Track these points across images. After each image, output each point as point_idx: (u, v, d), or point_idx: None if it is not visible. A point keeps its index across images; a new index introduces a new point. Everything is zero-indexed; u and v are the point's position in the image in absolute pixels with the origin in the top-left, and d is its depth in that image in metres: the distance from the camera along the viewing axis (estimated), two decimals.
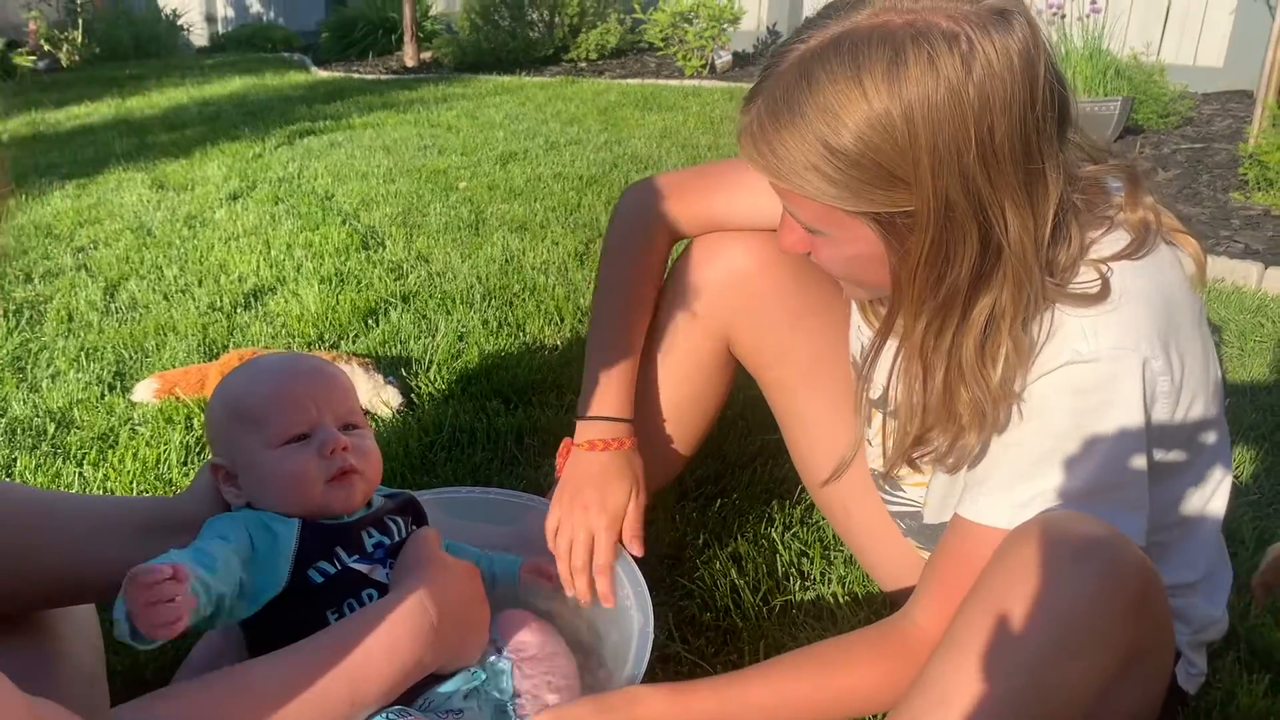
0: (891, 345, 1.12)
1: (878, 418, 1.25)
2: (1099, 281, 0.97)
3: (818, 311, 1.37)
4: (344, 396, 1.21)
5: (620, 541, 1.31)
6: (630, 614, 1.24)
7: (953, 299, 0.97)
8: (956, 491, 1.09)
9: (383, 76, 8.09)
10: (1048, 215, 0.94)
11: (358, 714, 1.01)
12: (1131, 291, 0.97)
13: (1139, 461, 0.97)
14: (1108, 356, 0.96)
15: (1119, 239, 0.99)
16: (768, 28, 8.29)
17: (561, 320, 2.55)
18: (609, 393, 1.34)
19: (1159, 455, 1.01)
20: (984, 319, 0.98)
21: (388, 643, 1.04)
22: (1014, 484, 1.00)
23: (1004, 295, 0.96)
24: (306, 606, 1.07)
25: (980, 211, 0.92)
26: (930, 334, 1.00)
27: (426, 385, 2.19)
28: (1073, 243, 0.98)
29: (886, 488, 1.29)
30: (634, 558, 1.30)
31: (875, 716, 1.13)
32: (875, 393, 1.23)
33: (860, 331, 1.27)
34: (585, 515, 1.28)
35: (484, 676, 1.16)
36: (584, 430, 1.34)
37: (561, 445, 1.38)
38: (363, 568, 1.12)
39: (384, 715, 1.02)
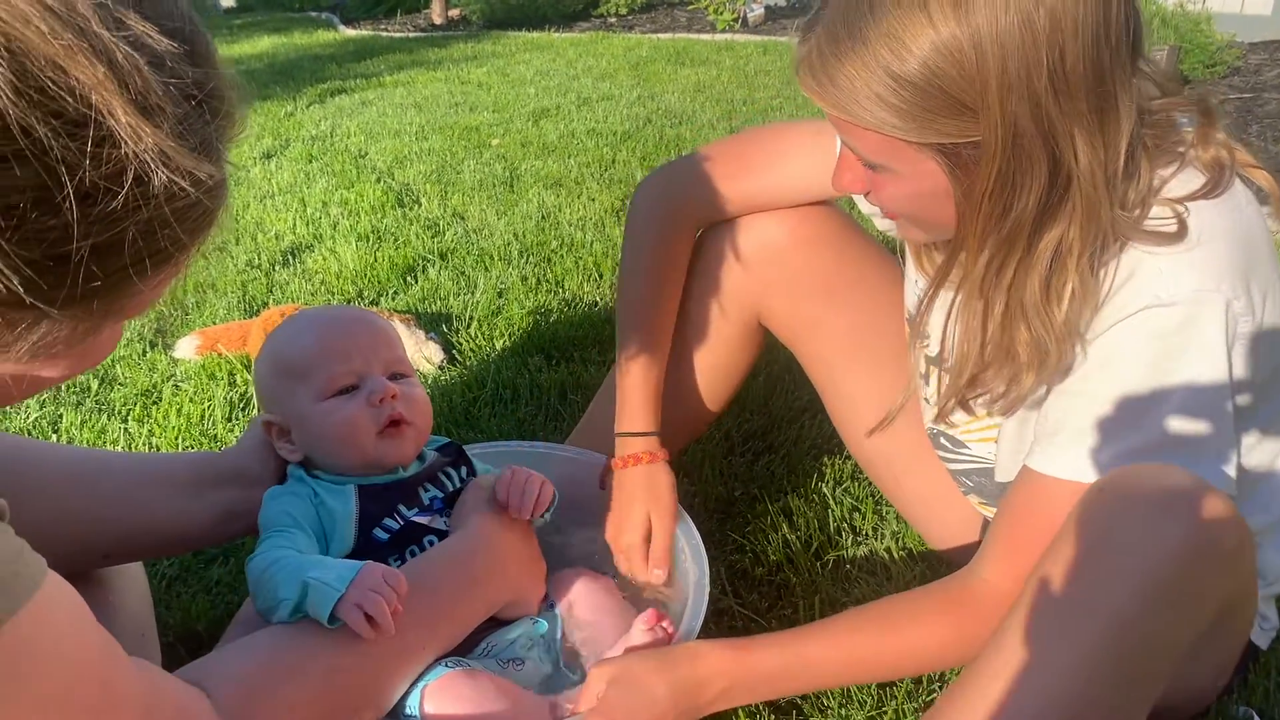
0: (945, 297, 1.09)
1: (934, 375, 1.21)
2: (1174, 220, 0.93)
3: (853, 284, 1.34)
4: (390, 346, 1.20)
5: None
6: (686, 567, 1.22)
7: (1018, 232, 0.93)
8: (1027, 446, 1.06)
9: (411, 34, 8.03)
10: (1120, 146, 0.90)
11: (428, 655, 1.01)
12: (1210, 230, 0.93)
13: (1224, 407, 0.93)
14: (1189, 299, 0.91)
15: (1192, 177, 0.95)
16: None
17: (600, 276, 2.52)
18: (637, 407, 1.32)
19: (1236, 398, 0.97)
20: (1050, 253, 0.94)
21: (454, 581, 1.04)
22: (1088, 435, 0.97)
23: (1072, 229, 0.92)
24: (371, 558, 1.06)
25: (1050, 140, 0.88)
26: (993, 269, 0.96)
27: (467, 341, 2.17)
28: (1142, 179, 0.94)
29: (948, 445, 1.26)
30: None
31: (944, 673, 1.11)
32: (932, 349, 1.19)
33: (916, 285, 1.23)
34: (639, 519, 1.27)
35: (545, 626, 1.15)
36: (620, 447, 1.32)
37: (604, 470, 1.34)
38: (423, 520, 1.13)
39: (444, 664, 1.02)
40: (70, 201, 0.52)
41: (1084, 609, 0.85)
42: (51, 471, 1.12)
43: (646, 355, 1.32)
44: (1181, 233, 0.92)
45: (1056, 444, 0.99)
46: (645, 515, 1.26)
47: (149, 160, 0.55)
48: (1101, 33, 0.86)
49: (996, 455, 1.18)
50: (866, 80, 0.89)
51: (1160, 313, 0.92)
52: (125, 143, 0.53)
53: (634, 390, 1.31)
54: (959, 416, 1.17)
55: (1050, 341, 0.97)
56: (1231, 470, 0.94)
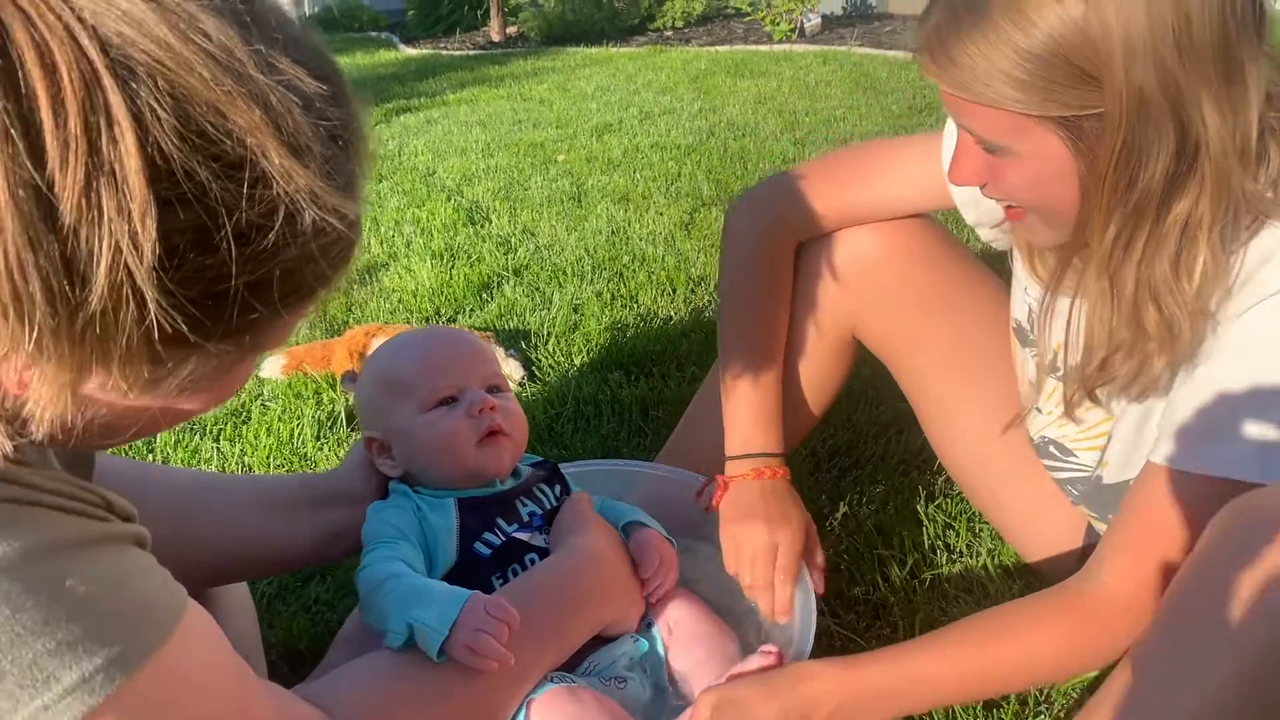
0: (1064, 301, 1.07)
1: (1049, 383, 1.19)
2: None
3: (951, 299, 1.32)
4: (487, 362, 1.23)
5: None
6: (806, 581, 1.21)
7: (1145, 205, 0.90)
8: (1144, 445, 1.03)
9: (470, 52, 8.13)
10: (1250, 117, 0.87)
11: (539, 674, 1.01)
12: None
13: None
14: None
15: None
16: None
17: (674, 291, 2.52)
18: (756, 429, 1.29)
19: None
20: (1179, 227, 0.90)
21: (561, 599, 1.04)
22: (1219, 427, 0.92)
23: (1202, 201, 0.89)
24: (473, 577, 1.07)
25: (1176, 106, 0.85)
26: (1120, 244, 0.93)
27: (546, 358, 2.19)
28: (1272, 163, 0.90)
29: (1056, 454, 1.23)
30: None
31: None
32: (1045, 356, 1.17)
33: (1026, 294, 1.21)
34: (768, 530, 1.22)
35: (646, 646, 1.15)
36: (735, 467, 1.29)
37: (712, 483, 1.31)
38: (523, 536, 1.13)
39: (549, 680, 1.02)
40: (228, 241, 0.54)
41: (1231, 631, 0.81)
42: (165, 494, 1.15)
43: (757, 374, 1.30)
44: None
45: (1184, 437, 0.95)
46: (801, 510, 1.25)
47: (300, 200, 0.56)
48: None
49: (1105, 458, 1.15)
50: (989, 55, 0.88)
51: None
52: (278, 183, 0.55)
53: (747, 411, 1.29)
54: (1084, 411, 1.13)
55: (1182, 319, 0.93)
56: None
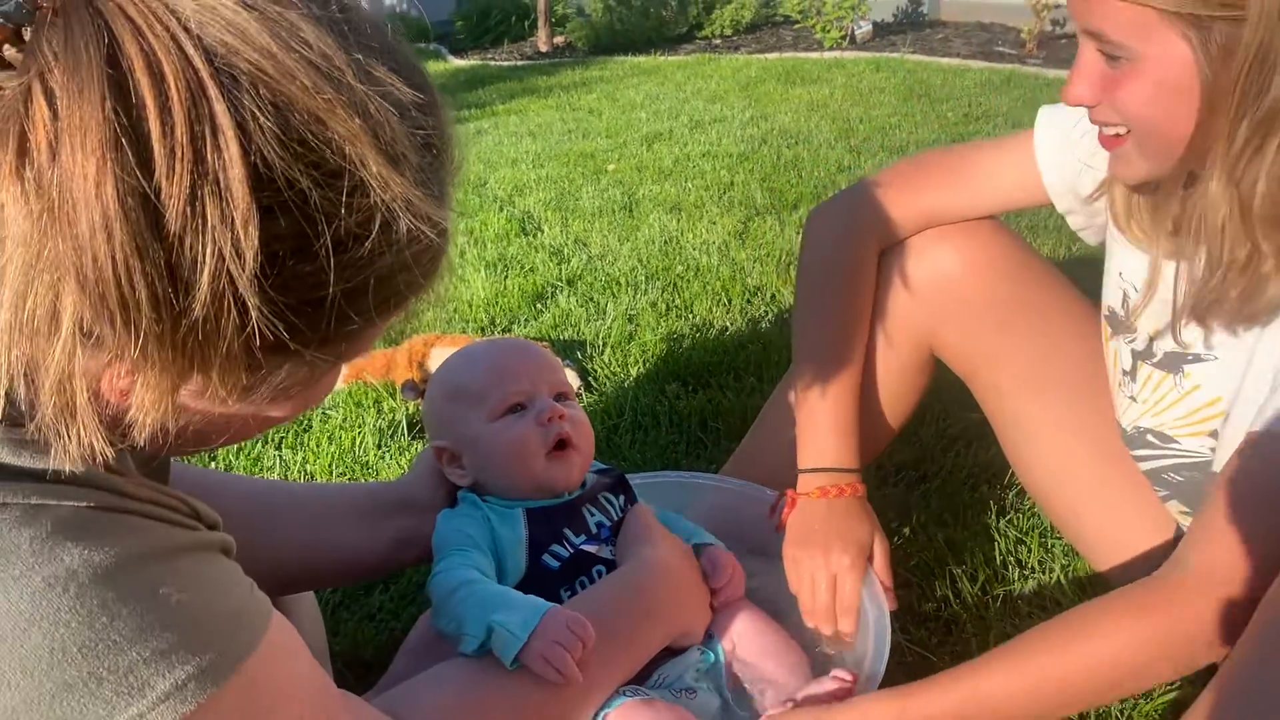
0: (1165, 281, 1.04)
1: (1143, 370, 1.16)
2: None
3: (1031, 312, 1.30)
4: (554, 370, 1.23)
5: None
6: (864, 608, 1.19)
7: (1276, 114, 0.86)
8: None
9: (518, 62, 8.18)
10: None
11: (607, 687, 1.01)
12: None
13: None
14: None
15: None
16: None
17: (730, 301, 2.51)
18: (830, 442, 1.27)
19: None
20: None
21: (633, 612, 1.03)
22: None
23: None
24: (541, 589, 1.06)
25: None
26: (1248, 152, 0.89)
27: (602, 368, 2.18)
28: None
29: (1156, 442, 1.19)
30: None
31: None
32: (1140, 343, 1.14)
33: (1121, 278, 1.18)
34: (825, 556, 1.21)
35: (712, 658, 1.14)
36: (805, 483, 1.28)
37: (779, 501, 1.30)
38: (591, 548, 1.13)
39: (622, 693, 1.01)
40: (326, 249, 0.54)
41: None
42: (235, 502, 1.15)
43: (834, 385, 1.28)
44: None
45: None
46: (870, 528, 1.22)
47: (396, 208, 0.56)
48: None
49: (1220, 440, 1.08)
50: None
51: None
52: (375, 191, 0.55)
53: (822, 423, 1.28)
54: (1193, 337, 1.08)
55: None
56: None
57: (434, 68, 8.15)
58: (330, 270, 0.55)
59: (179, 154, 0.49)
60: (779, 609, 1.26)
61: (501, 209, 3.53)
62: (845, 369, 1.29)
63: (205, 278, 0.51)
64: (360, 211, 0.55)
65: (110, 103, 0.48)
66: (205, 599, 0.64)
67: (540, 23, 8.63)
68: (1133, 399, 1.20)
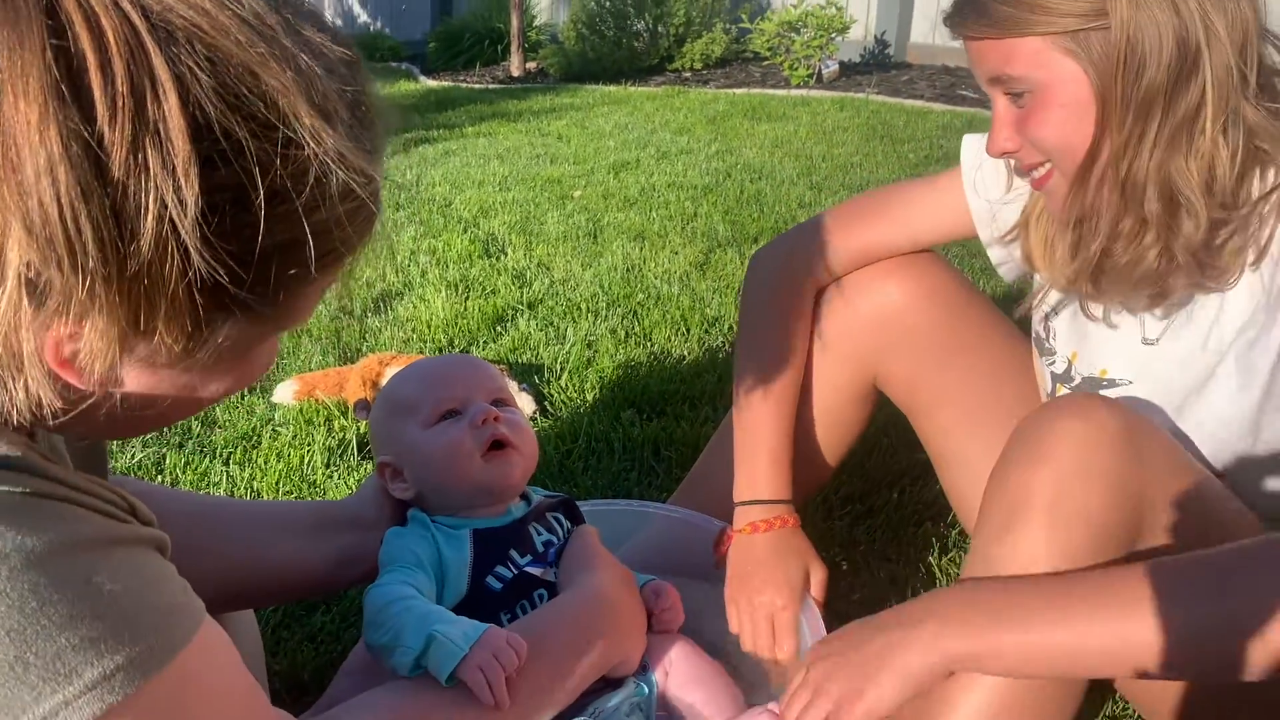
0: (1068, 311, 1.13)
1: (1062, 392, 1.21)
2: None
3: (976, 348, 1.33)
4: (492, 378, 1.23)
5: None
6: (804, 639, 1.20)
7: (1153, 98, 0.97)
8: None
9: (490, 86, 8.20)
10: (1247, 30, 0.95)
11: (543, 717, 0.99)
12: None
13: None
14: None
15: None
16: (876, 37, 8.16)
17: (688, 330, 2.52)
18: (762, 474, 1.31)
19: None
20: (1188, 122, 0.97)
21: (571, 641, 1.03)
22: None
23: (1207, 96, 0.96)
24: (482, 612, 1.06)
25: (1173, 8, 0.94)
26: (1133, 138, 0.99)
27: (559, 393, 2.18)
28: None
29: None
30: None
31: None
32: (1059, 365, 1.19)
33: (1045, 302, 1.24)
34: (760, 596, 1.24)
35: (646, 690, 1.14)
36: (741, 516, 1.30)
37: (721, 536, 1.33)
38: (535, 570, 1.12)
39: None
40: (262, 200, 0.57)
41: None
42: (176, 516, 1.13)
43: (769, 419, 1.31)
44: None
45: None
46: (803, 567, 1.24)
47: (329, 161, 0.59)
48: None
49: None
50: None
51: None
52: (309, 144, 0.58)
53: (760, 457, 1.30)
54: (1095, 309, 1.16)
55: (1188, 209, 0.99)
56: None
57: (406, 88, 8.16)
58: (268, 221, 0.57)
59: (120, 104, 0.52)
60: (720, 639, 1.27)
61: (466, 230, 3.53)
62: (780, 405, 1.32)
63: (149, 222, 0.53)
64: (295, 163, 0.58)
65: (50, 54, 0.51)
66: (138, 591, 0.64)
67: (513, 48, 8.67)
68: None
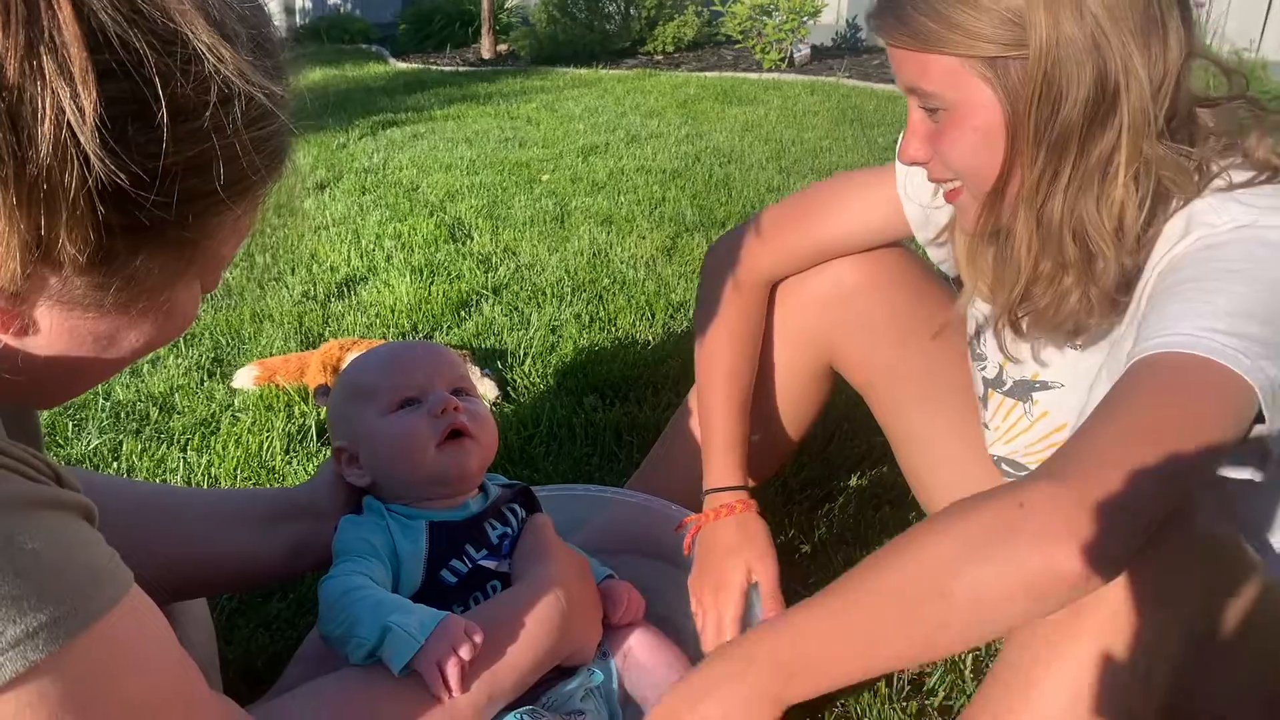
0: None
1: (994, 397, 1.21)
2: (1228, 184, 0.94)
3: (930, 328, 1.33)
4: (453, 366, 1.21)
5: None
6: (755, 615, 1.21)
7: (1068, 139, 0.94)
8: None
9: (460, 69, 8.14)
10: (1166, 76, 0.92)
11: (494, 708, 0.99)
12: (1266, 200, 0.93)
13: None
14: (1244, 223, 0.91)
15: (1247, 171, 0.95)
16: (847, 21, 8.17)
17: (653, 316, 2.52)
18: (718, 464, 1.33)
19: None
20: (1101, 165, 0.95)
21: (523, 632, 1.03)
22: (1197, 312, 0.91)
23: (1121, 140, 0.93)
24: (436, 604, 1.05)
25: (1094, 47, 0.90)
26: (1045, 178, 0.97)
27: (522, 378, 2.18)
28: (1196, 149, 0.95)
29: (1010, 471, 1.25)
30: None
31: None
32: (990, 371, 1.19)
33: (976, 309, 1.23)
34: (709, 595, 1.27)
35: (602, 677, 1.14)
36: (706, 504, 1.33)
37: (690, 524, 1.34)
38: (490, 564, 1.12)
39: (516, 714, 1.00)
40: (164, 116, 0.57)
41: None
42: (125, 505, 1.12)
43: (730, 415, 1.33)
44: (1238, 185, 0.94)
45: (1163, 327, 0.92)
46: (745, 565, 1.25)
47: (230, 78, 0.60)
48: None
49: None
50: (930, 1, 0.95)
51: (1210, 236, 0.92)
52: (209, 60, 0.59)
53: (716, 449, 1.32)
54: (1017, 349, 1.15)
55: (1100, 254, 0.97)
56: None
57: (374, 70, 8.08)
58: (174, 138, 0.58)
59: (13, 11, 0.53)
60: (677, 620, 1.27)
61: (432, 214, 3.50)
62: (730, 396, 1.34)
63: (47, 127, 0.54)
64: (197, 80, 0.58)
65: None
66: (62, 553, 0.63)
67: (484, 30, 8.61)
68: (986, 426, 1.25)
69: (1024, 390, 1.19)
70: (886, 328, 1.32)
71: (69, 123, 0.54)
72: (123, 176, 0.56)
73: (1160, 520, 0.82)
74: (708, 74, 7.03)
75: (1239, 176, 0.95)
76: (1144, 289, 0.98)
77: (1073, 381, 1.14)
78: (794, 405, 1.42)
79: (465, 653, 0.93)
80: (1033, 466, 1.21)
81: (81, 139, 0.55)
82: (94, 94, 0.54)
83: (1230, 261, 0.90)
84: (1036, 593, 0.81)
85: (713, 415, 1.33)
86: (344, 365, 2.05)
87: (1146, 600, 0.84)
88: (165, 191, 0.59)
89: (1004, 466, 1.25)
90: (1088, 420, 0.87)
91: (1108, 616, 0.85)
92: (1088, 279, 1.00)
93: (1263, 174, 0.94)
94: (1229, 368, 0.83)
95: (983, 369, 1.23)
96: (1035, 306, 1.06)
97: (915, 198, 1.24)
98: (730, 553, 1.26)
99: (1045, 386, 1.16)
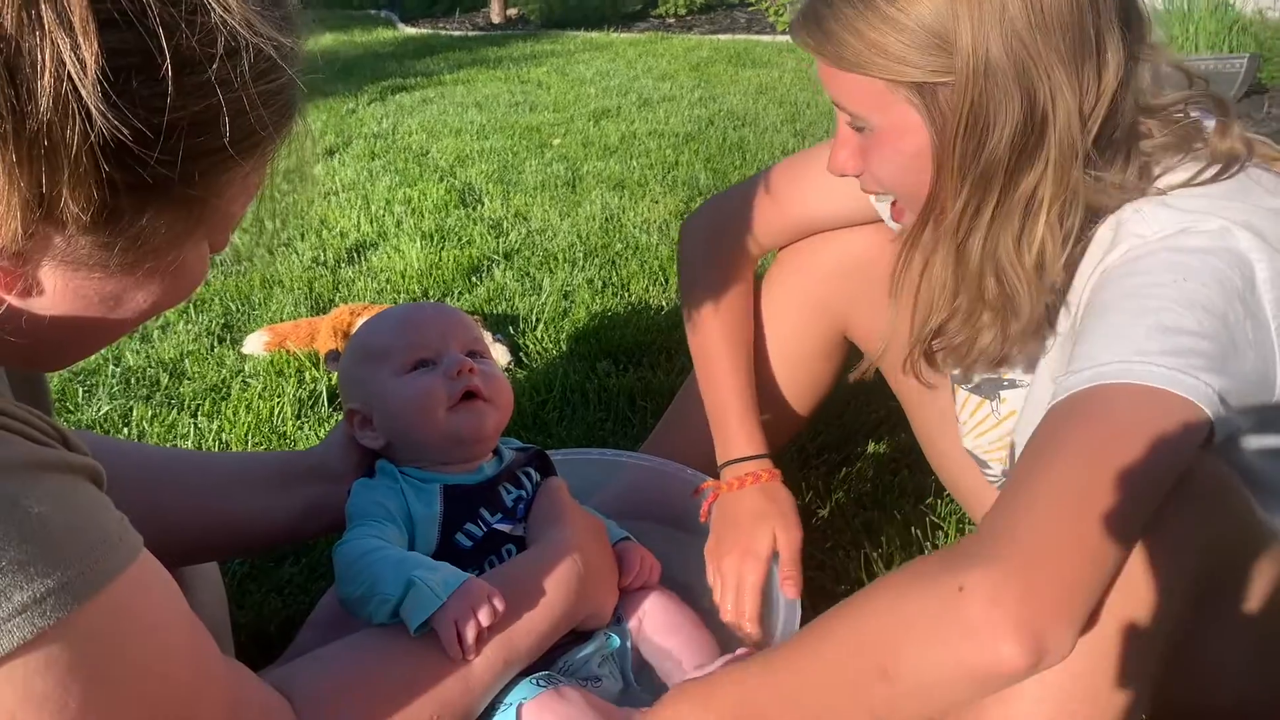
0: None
1: (960, 393, 1.20)
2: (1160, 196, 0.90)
3: None
4: (468, 328, 1.20)
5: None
6: (774, 584, 1.19)
7: (992, 175, 0.90)
8: None
9: (470, 33, 8.07)
10: (1100, 100, 0.88)
11: (510, 672, 0.98)
12: (1204, 198, 0.89)
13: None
14: (1172, 230, 0.87)
15: (1194, 168, 0.91)
16: None
17: (666, 281, 2.49)
18: (734, 434, 1.30)
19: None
20: (1024, 203, 0.91)
21: (539, 596, 1.01)
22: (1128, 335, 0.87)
23: (1046, 177, 0.89)
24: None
25: (1024, 76, 0.86)
26: (968, 214, 0.93)
27: (534, 344, 2.15)
28: (1130, 166, 0.91)
29: (979, 465, 1.24)
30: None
31: None
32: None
33: None
34: (732, 562, 1.23)
35: (618, 642, 1.13)
36: (726, 474, 1.30)
37: (699, 490, 1.32)
38: (505, 527, 1.11)
39: (533, 680, 0.99)
40: (168, 68, 0.55)
41: None
42: (137, 469, 1.11)
43: (736, 384, 1.30)
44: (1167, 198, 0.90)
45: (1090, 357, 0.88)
46: (771, 532, 1.22)
47: (238, 29, 0.57)
48: None
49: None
50: (850, 19, 0.90)
51: (1136, 249, 0.89)
52: (214, 10, 0.57)
53: (732, 419, 1.29)
54: (929, 374, 1.12)
55: (1022, 293, 0.94)
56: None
57: (383, 35, 8.02)
58: (178, 91, 0.56)
59: None
60: (691, 585, 1.26)
61: (442, 180, 3.47)
62: (735, 366, 1.32)
63: (47, 80, 0.52)
64: (203, 30, 0.56)
65: None
66: (69, 517, 0.62)
67: None
68: (958, 418, 1.22)
69: (991, 388, 1.16)
70: (905, 296, 1.29)
71: (70, 75, 0.52)
72: (125, 131, 0.54)
73: (1113, 576, 0.79)
74: (720, 37, 6.95)
75: (1182, 175, 0.90)
76: (1079, 298, 0.94)
77: (1039, 380, 1.09)
78: (806, 376, 1.40)
79: (485, 617, 0.92)
80: (993, 464, 1.20)
81: (83, 92, 0.52)
82: (95, 45, 0.52)
83: (1157, 274, 0.86)
84: (980, 682, 0.78)
85: (720, 385, 1.31)
86: (354, 330, 2.04)
87: (1150, 558, 0.82)
88: (170, 147, 0.57)
89: (977, 456, 1.23)
90: (1016, 478, 0.83)
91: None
92: (1006, 316, 0.97)
93: (1216, 166, 0.90)
94: (1168, 391, 0.80)
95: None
96: (950, 342, 1.03)
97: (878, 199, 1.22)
98: (757, 520, 1.23)
99: (1013, 385, 1.13)
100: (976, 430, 1.21)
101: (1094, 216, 0.93)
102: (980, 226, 0.93)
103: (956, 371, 1.15)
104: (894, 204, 1.05)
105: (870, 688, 0.82)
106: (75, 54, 0.52)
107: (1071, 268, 0.95)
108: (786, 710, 0.87)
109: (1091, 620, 0.79)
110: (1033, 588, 0.75)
